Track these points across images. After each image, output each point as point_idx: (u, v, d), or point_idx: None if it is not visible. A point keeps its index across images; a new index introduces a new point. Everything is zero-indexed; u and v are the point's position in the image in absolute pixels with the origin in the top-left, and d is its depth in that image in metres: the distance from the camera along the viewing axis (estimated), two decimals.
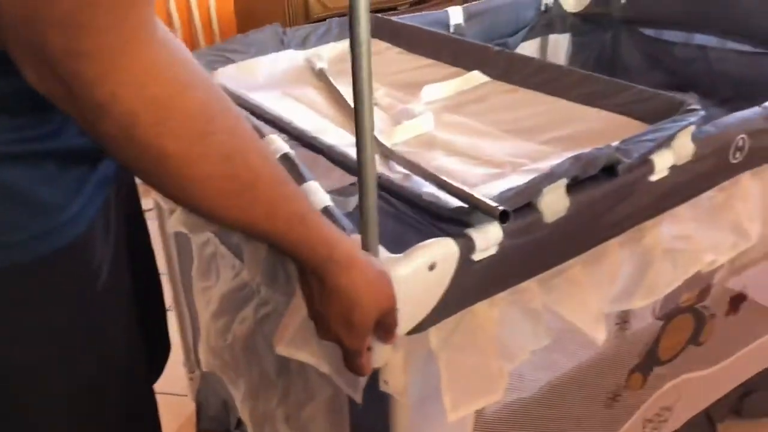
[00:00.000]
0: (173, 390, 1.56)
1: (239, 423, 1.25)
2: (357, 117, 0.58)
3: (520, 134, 0.96)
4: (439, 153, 0.95)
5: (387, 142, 0.97)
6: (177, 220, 0.95)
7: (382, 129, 1.02)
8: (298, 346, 0.76)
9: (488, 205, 0.66)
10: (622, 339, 0.99)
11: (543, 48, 1.64)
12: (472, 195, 0.70)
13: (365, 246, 0.63)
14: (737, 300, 1.17)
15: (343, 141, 0.95)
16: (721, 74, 1.42)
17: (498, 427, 0.88)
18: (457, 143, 0.96)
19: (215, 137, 0.48)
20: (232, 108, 0.51)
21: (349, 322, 0.61)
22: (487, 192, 0.81)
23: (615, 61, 1.62)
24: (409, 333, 0.69)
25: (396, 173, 0.87)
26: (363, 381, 0.74)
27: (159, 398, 1.55)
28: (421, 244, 0.66)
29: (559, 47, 1.65)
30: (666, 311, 1.02)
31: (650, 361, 1.05)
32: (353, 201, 0.82)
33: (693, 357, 1.13)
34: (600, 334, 0.80)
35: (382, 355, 0.67)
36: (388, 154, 0.91)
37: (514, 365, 0.79)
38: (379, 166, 0.89)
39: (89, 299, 0.60)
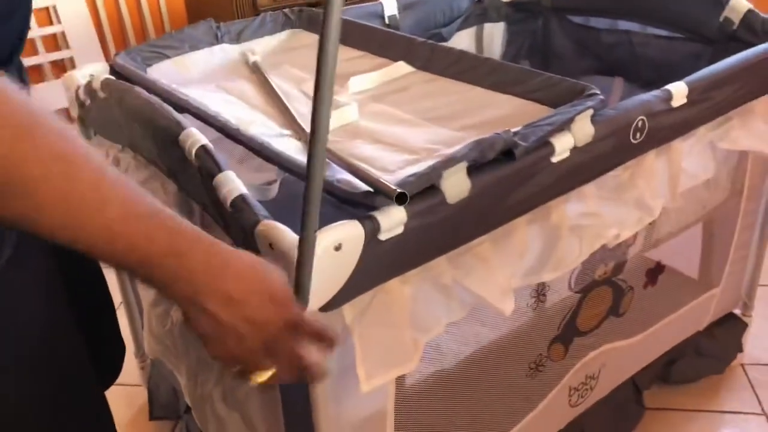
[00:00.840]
0: (127, 380, 1.60)
1: (188, 408, 1.29)
2: (314, 113, 0.59)
3: (438, 121, 1.01)
4: (363, 141, 1.00)
5: None
6: None
7: (309, 120, 1.06)
8: None
9: (388, 188, 0.72)
10: (539, 311, 1.05)
11: (478, 37, 1.69)
12: (377, 180, 0.75)
13: (305, 229, 0.64)
14: (655, 272, 1.24)
15: (269, 132, 1.00)
16: (644, 58, 1.49)
17: (420, 398, 0.93)
18: (380, 132, 1.01)
19: None
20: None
21: (272, 292, 0.58)
22: (401, 177, 0.86)
23: (547, 48, 1.68)
24: (322, 309, 0.74)
25: None
26: None
27: (113, 390, 1.59)
28: (327, 226, 0.71)
29: (494, 36, 1.70)
30: (582, 284, 1.09)
31: (570, 332, 1.11)
32: (273, 189, 0.87)
33: (614, 328, 1.20)
34: (507, 306, 0.86)
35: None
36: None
37: (429, 337, 0.85)
38: (302, 155, 0.94)
39: None
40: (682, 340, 1.40)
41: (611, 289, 1.15)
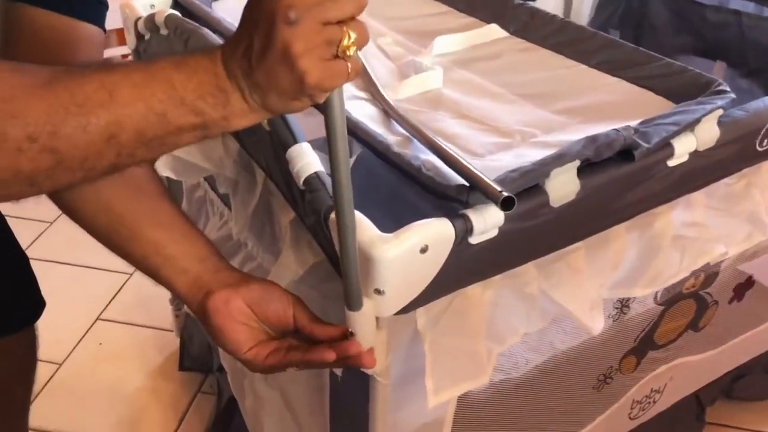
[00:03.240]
0: (160, 325, 1.55)
1: (221, 367, 1.23)
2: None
3: (534, 100, 0.90)
4: (446, 114, 0.89)
5: (391, 97, 0.91)
6: (164, 165, 0.90)
7: (387, 82, 0.95)
8: None
9: (492, 188, 0.61)
10: (619, 322, 0.95)
11: (567, 0, 1.54)
12: (476, 174, 0.64)
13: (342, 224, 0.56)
14: (743, 287, 1.13)
15: None
16: (754, 43, 1.33)
17: (481, 408, 0.85)
18: (465, 105, 0.90)
19: None
20: None
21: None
22: (493, 165, 0.75)
23: (642, 19, 1.53)
24: (397, 314, 0.65)
25: (396, 135, 0.81)
26: None
27: (146, 332, 1.55)
28: (414, 224, 0.61)
29: (583, 0, 1.55)
30: (668, 297, 0.98)
31: (645, 345, 1.02)
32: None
33: (690, 342, 1.09)
34: (597, 324, 0.77)
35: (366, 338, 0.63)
36: (389, 112, 0.85)
37: (503, 348, 0.76)
38: (379, 126, 0.83)
39: None
40: (753, 356, 1.29)
41: (696, 302, 1.04)
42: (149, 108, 0.49)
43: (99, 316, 1.59)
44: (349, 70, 0.48)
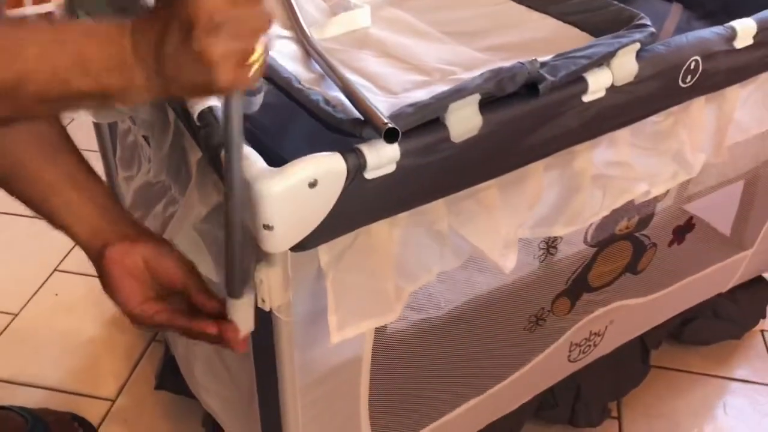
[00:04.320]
0: None
1: None
2: None
3: (460, 38, 0.88)
4: (369, 53, 0.87)
5: (318, 36, 0.89)
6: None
7: (316, 20, 0.93)
8: (187, 248, 0.72)
9: (378, 119, 0.60)
10: (547, 263, 0.94)
11: None
12: (368, 106, 0.63)
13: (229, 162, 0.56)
14: (683, 230, 1.12)
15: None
16: None
17: (403, 346, 0.85)
18: (391, 44, 0.88)
19: None
20: None
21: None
22: (407, 102, 0.74)
23: None
24: (294, 249, 0.64)
25: (313, 73, 0.80)
26: None
27: (96, 281, 1.55)
28: (303, 158, 0.60)
29: None
30: (600, 238, 0.98)
31: (579, 288, 1.02)
32: (257, 101, 0.75)
33: (629, 285, 1.10)
34: (508, 263, 0.76)
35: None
36: (309, 52, 0.84)
37: (415, 286, 0.76)
38: (297, 64, 0.82)
39: None
40: (701, 301, 1.29)
41: (631, 244, 1.04)
42: (54, 72, 0.49)
43: (56, 268, 1.59)
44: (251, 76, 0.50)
